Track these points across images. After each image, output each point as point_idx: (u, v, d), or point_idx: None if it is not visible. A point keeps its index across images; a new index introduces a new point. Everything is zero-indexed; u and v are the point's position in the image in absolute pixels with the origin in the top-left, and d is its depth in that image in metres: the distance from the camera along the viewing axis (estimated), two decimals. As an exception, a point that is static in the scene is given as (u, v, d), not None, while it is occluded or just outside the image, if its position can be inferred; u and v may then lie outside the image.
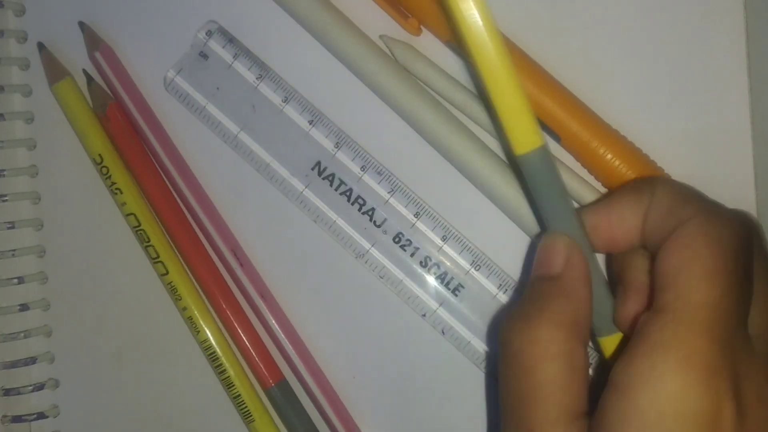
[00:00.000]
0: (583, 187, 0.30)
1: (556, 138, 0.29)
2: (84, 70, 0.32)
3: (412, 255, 0.31)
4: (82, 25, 0.32)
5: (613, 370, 0.21)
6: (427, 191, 0.31)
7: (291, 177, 0.31)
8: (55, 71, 0.32)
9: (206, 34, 0.31)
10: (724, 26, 0.30)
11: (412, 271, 0.31)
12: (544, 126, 0.29)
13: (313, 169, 0.31)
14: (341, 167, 0.31)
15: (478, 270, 0.30)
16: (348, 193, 0.31)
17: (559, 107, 0.29)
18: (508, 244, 0.31)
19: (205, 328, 0.31)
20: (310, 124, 0.31)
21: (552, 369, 0.22)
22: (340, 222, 0.31)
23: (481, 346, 0.30)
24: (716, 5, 0.30)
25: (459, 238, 0.31)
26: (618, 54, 0.30)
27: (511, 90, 0.23)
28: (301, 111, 0.31)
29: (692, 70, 0.30)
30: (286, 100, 0.31)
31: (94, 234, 0.33)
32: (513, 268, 0.31)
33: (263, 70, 0.31)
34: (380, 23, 0.31)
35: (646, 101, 0.30)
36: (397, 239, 0.31)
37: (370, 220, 0.31)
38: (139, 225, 0.31)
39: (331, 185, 0.31)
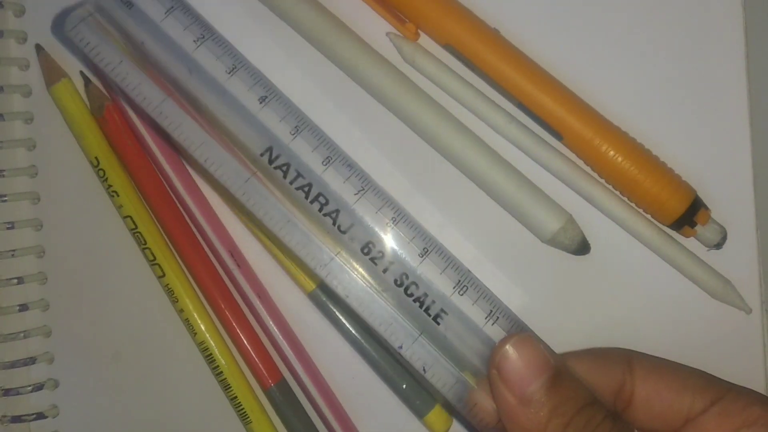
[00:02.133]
0: (591, 185, 0.29)
1: (558, 137, 0.29)
2: (81, 72, 0.32)
3: (384, 270, 0.25)
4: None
5: None
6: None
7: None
8: (52, 73, 0.32)
9: None
10: (723, 26, 0.30)
11: (385, 291, 0.25)
12: (546, 125, 0.29)
13: (262, 155, 0.25)
14: (298, 156, 0.25)
15: (464, 293, 0.25)
16: (306, 189, 0.25)
17: (561, 106, 0.29)
18: (509, 245, 0.30)
19: (203, 330, 0.31)
20: (261, 102, 0.25)
21: None
22: (295, 222, 0.25)
23: (467, 389, 0.24)
24: (715, 5, 0.30)
25: (442, 251, 0.25)
26: (618, 53, 0.30)
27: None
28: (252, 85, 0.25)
29: (692, 70, 0.30)
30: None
31: (94, 234, 0.33)
32: (515, 270, 0.30)
33: (206, 31, 0.26)
34: (378, 28, 0.31)
35: (646, 101, 0.30)
36: (366, 250, 0.25)
37: (334, 224, 0.25)
38: (136, 227, 0.31)
39: (285, 177, 0.25)
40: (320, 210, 0.25)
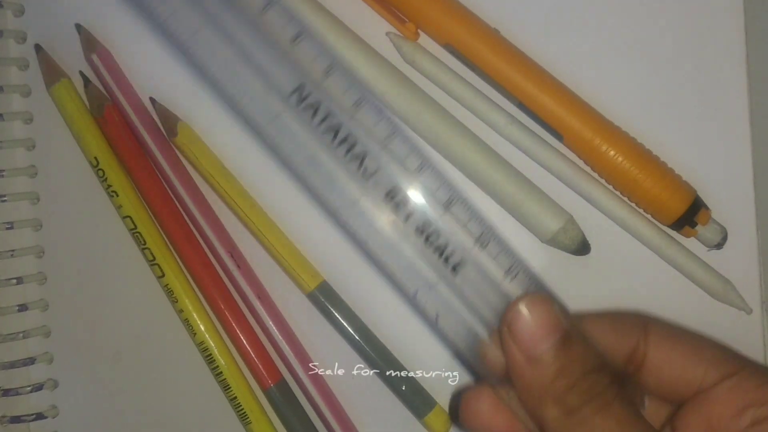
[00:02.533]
0: (591, 185, 0.29)
1: (559, 137, 0.29)
2: (81, 72, 0.32)
3: (406, 218, 0.24)
4: (78, 27, 0.32)
5: None
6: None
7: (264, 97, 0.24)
8: (51, 73, 0.32)
9: None
10: (723, 25, 0.30)
11: (405, 237, 0.24)
12: (547, 125, 0.29)
13: (292, 93, 0.24)
14: (329, 96, 0.24)
15: (485, 247, 0.24)
16: (334, 130, 0.24)
17: (561, 106, 0.29)
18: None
19: (202, 330, 0.31)
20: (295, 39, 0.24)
21: None
22: (320, 163, 0.24)
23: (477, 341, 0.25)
24: (716, 5, 0.30)
25: (466, 203, 0.24)
26: (619, 53, 0.30)
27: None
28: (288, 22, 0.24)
29: (692, 69, 0.30)
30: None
31: (93, 234, 0.33)
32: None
33: None
34: (378, 28, 0.31)
35: (646, 101, 0.30)
36: (390, 196, 0.24)
37: (359, 167, 0.24)
38: (135, 228, 0.31)
39: (313, 117, 0.24)
40: (347, 153, 0.24)
